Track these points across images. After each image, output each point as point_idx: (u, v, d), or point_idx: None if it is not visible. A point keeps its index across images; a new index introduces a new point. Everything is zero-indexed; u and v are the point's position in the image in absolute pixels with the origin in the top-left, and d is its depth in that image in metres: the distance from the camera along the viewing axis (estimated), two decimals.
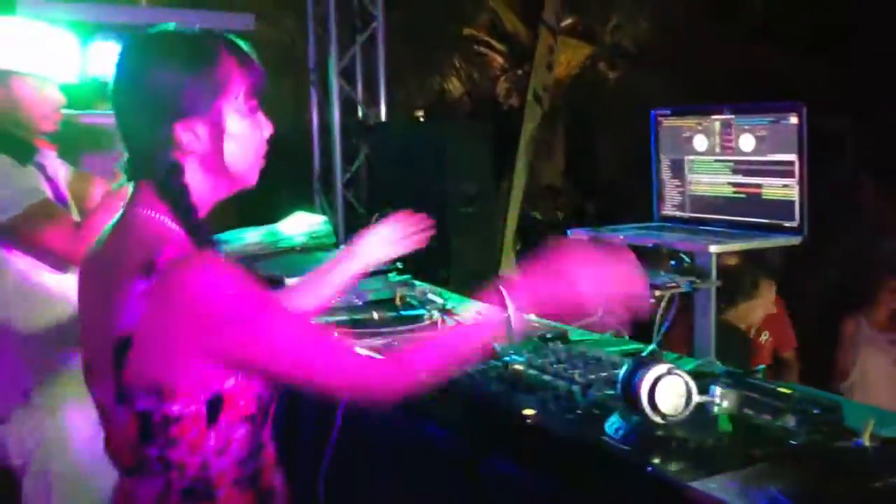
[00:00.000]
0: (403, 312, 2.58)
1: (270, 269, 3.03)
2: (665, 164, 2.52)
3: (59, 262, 2.33)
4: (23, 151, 2.29)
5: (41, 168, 2.35)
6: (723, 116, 2.34)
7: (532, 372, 2.12)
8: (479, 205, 4.32)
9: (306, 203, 5.02)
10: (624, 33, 9.71)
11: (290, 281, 2.95)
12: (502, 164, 6.54)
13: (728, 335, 3.19)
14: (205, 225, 1.37)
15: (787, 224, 2.23)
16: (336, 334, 1.49)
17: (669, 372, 1.74)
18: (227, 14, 4.67)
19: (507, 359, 2.24)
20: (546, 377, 2.07)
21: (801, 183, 2.19)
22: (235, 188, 1.42)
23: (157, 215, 1.34)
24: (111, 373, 1.29)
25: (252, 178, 1.42)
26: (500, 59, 10.34)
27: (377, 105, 5.31)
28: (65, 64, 2.40)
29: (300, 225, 3.41)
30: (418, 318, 2.49)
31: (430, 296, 2.75)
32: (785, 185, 2.22)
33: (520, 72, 9.67)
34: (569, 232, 2.44)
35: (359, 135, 5.28)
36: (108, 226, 1.42)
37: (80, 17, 3.64)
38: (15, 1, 3.62)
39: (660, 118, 2.51)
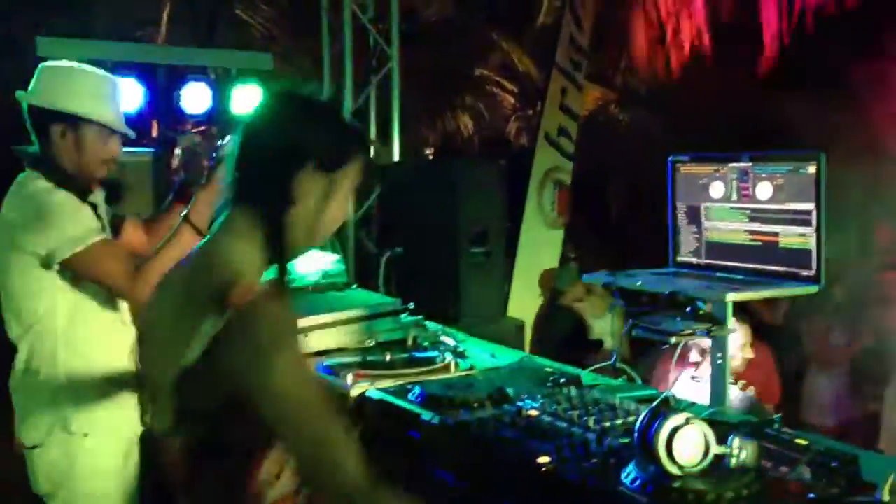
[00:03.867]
0: (416, 354, 2.56)
1: None
2: (681, 210, 2.52)
3: (112, 298, 2.42)
4: (83, 191, 2.39)
5: (93, 207, 2.44)
6: (740, 164, 2.35)
7: (546, 418, 2.10)
8: (490, 244, 4.31)
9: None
10: (635, 77, 9.79)
11: (300, 322, 2.96)
12: (514, 204, 6.55)
13: None
14: (288, 264, 1.46)
15: (803, 273, 2.22)
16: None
17: (687, 422, 1.73)
18: (246, 53, 4.73)
19: (520, 404, 2.22)
20: (560, 424, 2.05)
21: (818, 232, 2.18)
22: (303, 250, 1.52)
23: (245, 245, 1.43)
24: (171, 399, 1.37)
25: (318, 244, 1.54)
26: (511, 99, 10.42)
27: (390, 144, 5.34)
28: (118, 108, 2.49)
29: (313, 263, 3.41)
30: (430, 361, 2.48)
31: (443, 337, 2.74)
32: (802, 234, 2.21)
33: (531, 112, 9.74)
34: (584, 278, 2.43)
35: (371, 174, 5.31)
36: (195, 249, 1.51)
37: (100, 56, 3.68)
38: (37, 41, 3.67)
39: (677, 164, 2.51)
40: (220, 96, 4.43)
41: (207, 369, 1.33)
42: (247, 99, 4.43)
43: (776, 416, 2.27)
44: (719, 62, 8.45)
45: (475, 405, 2.15)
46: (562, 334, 5.74)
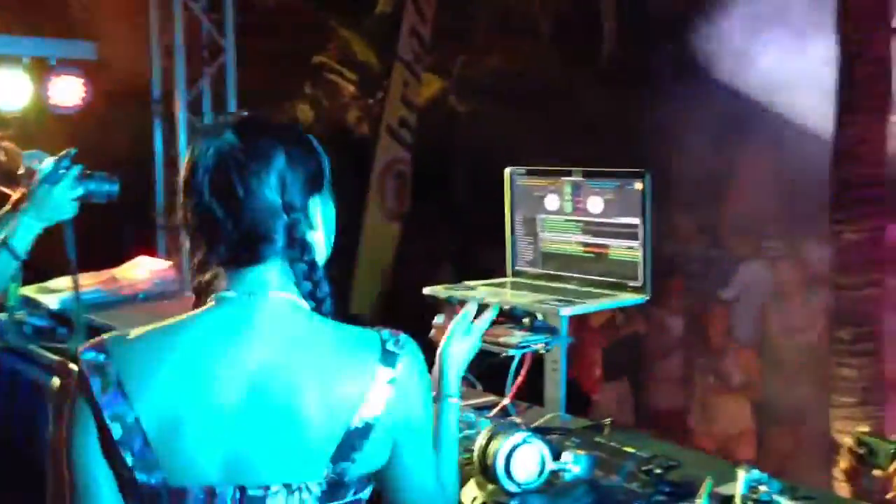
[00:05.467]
0: None
1: (107, 321, 2.86)
2: (519, 221, 2.58)
3: None
4: None
5: None
6: (573, 179, 2.43)
7: None
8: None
9: (149, 244, 4.81)
10: (475, 69, 9.93)
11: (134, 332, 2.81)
12: (355, 196, 6.52)
13: None
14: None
15: (632, 284, 2.33)
16: None
17: (525, 441, 1.78)
18: (68, 41, 4.42)
19: None
20: None
21: (644, 245, 2.29)
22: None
23: (299, 301, 1.31)
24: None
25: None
26: (351, 88, 10.32)
27: None
28: None
29: (141, 271, 3.25)
30: None
31: None
32: (630, 247, 2.32)
33: (371, 101, 9.70)
34: (425, 290, 2.45)
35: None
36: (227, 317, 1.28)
37: None
38: None
39: (514, 176, 2.57)
40: (38, 88, 4.12)
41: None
42: (68, 91, 4.15)
43: (608, 420, 2.38)
44: (558, 52, 8.71)
45: None
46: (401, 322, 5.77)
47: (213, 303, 1.29)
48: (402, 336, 1.31)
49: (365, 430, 1.24)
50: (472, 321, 1.69)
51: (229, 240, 1.28)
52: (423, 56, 6.92)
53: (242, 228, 1.27)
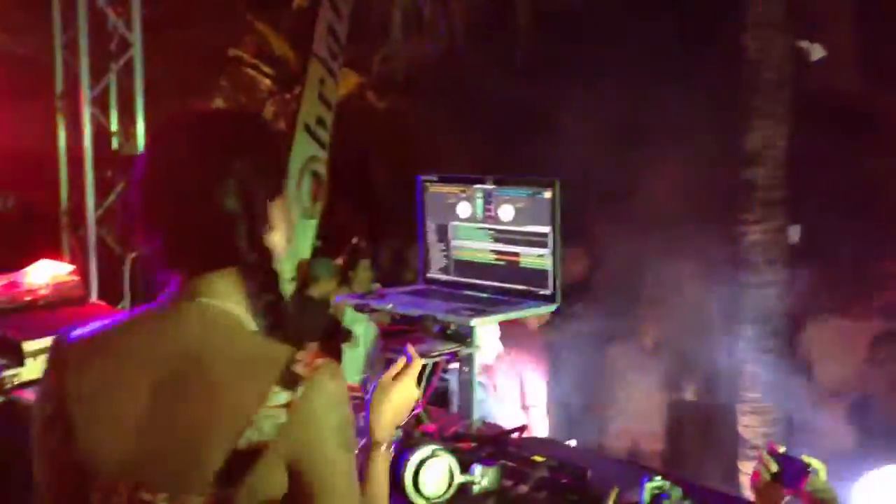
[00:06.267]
0: None
1: (7, 327, 2.75)
2: (431, 228, 2.57)
3: None
4: None
5: None
6: (485, 186, 2.43)
7: None
8: None
9: (52, 244, 4.63)
10: (393, 64, 9.89)
11: (28, 345, 2.70)
12: None
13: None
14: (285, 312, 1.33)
15: (542, 292, 2.35)
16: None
17: (433, 454, 1.78)
18: None
19: None
20: None
21: (554, 254, 2.31)
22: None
23: (237, 310, 1.29)
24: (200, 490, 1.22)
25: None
26: (267, 83, 10.15)
27: (133, 134, 5.01)
28: None
29: (42, 276, 3.12)
30: None
31: None
32: (540, 255, 2.33)
33: (288, 96, 9.55)
34: (337, 299, 2.42)
35: (113, 167, 4.95)
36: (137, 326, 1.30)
37: None
38: None
39: (426, 183, 2.55)
40: None
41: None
42: None
43: (520, 427, 2.40)
44: (476, 51, 8.75)
45: None
46: (315, 325, 5.69)
47: (155, 305, 1.31)
48: (318, 361, 1.24)
49: (252, 453, 1.19)
50: (402, 371, 1.61)
51: (181, 245, 1.28)
52: (340, 54, 6.84)
53: (194, 235, 1.28)
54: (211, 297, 1.28)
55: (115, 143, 5.03)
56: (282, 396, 1.20)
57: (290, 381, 1.21)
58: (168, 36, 6.89)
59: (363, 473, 1.48)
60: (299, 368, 1.22)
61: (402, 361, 1.63)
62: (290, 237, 1.37)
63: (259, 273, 1.30)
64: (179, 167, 1.28)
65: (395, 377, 1.60)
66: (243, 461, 1.19)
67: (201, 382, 1.23)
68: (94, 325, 1.32)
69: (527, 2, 7.97)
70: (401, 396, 1.59)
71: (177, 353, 1.25)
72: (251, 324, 1.30)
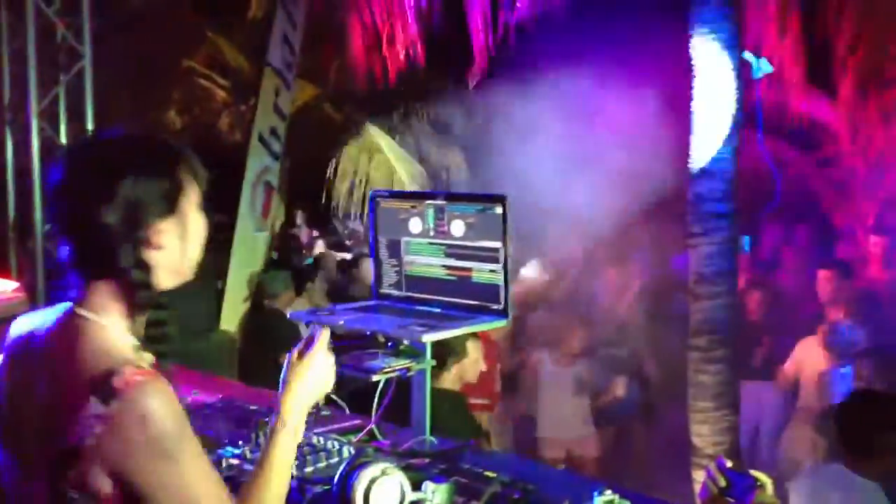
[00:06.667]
0: None
1: None
2: (383, 243, 2.57)
3: None
4: None
5: None
6: (436, 202, 2.44)
7: (249, 467, 2.06)
8: None
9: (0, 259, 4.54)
10: (349, 77, 9.88)
11: None
12: (226, 205, 6.35)
13: (444, 401, 3.33)
14: (164, 325, 1.46)
15: (493, 307, 2.36)
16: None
17: (384, 473, 1.78)
18: None
19: (221, 452, 2.16)
20: None
21: (505, 269, 2.33)
22: (177, 284, 1.50)
23: (105, 320, 1.40)
24: (46, 476, 1.35)
25: (191, 274, 1.51)
26: (222, 94, 10.08)
27: None
28: None
29: None
30: None
31: None
32: (492, 270, 2.35)
33: (243, 107, 9.49)
34: (290, 315, 2.41)
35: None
36: (42, 321, 1.46)
37: None
38: None
39: (378, 199, 2.56)
40: None
41: (98, 455, 1.31)
42: None
43: (471, 442, 2.41)
44: (433, 71, 8.83)
45: None
46: (273, 341, 5.65)
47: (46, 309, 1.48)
48: (139, 378, 1.32)
49: (73, 453, 1.30)
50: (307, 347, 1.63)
51: (71, 258, 1.43)
52: (294, 65, 6.82)
53: (79, 249, 1.42)
54: (87, 307, 1.42)
55: None
56: (98, 408, 1.30)
57: (106, 394, 1.30)
58: (119, 46, 6.82)
59: (263, 453, 1.53)
60: (117, 382, 1.31)
61: (308, 337, 1.65)
62: (189, 255, 1.48)
63: (140, 289, 1.42)
64: (65, 188, 1.42)
65: (302, 354, 1.62)
66: (69, 461, 1.31)
67: (45, 383, 1.39)
68: (33, 326, 1.49)
69: (478, 25, 8.03)
70: (312, 373, 1.60)
71: (40, 353, 1.43)
72: (121, 336, 1.42)
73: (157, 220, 1.42)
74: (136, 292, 1.41)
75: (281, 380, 1.61)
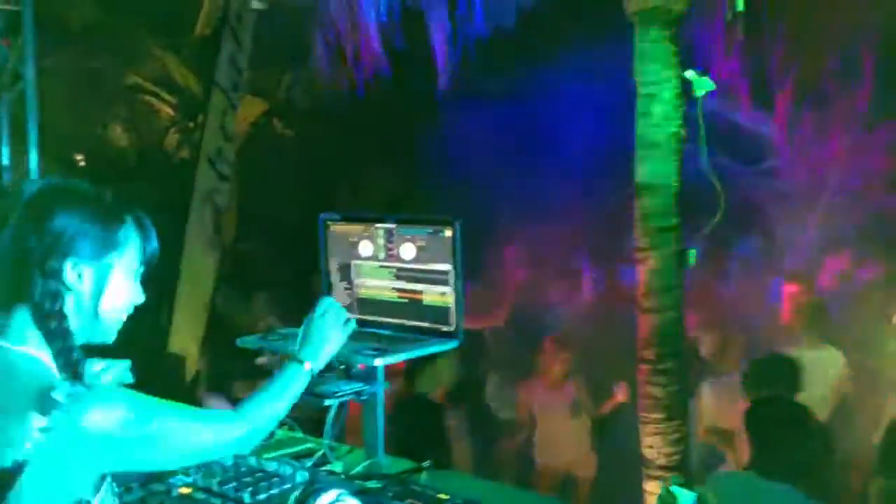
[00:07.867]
0: None
1: None
2: (333, 266, 2.58)
3: None
4: None
5: None
6: (386, 225, 2.46)
7: (200, 496, 2.05)
8: None
9: None
10: (298, 91, 9.84)
11: None
12: (172, 226, 6.28)
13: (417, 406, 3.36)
14: (76, 352, 1.49)
15: (444, 328, 2.39)
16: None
17: (338, 499, 1.79)
18: None
19: (172, 481, 2.14)
20: (215, 501, 2.01)
21: (456, 291, 2.35)
22: (93, 339, 1.57)
23: (25, 350, 1.47)
24: None
25: (111, 337, 1.60)
26: (169, 111, 9.96)
27: (24, 169, 4.84)
28: None
29: None
30: None
31: None
32: (442, 293, 2.37)
33: (191, 124, 9.38)
34: (238, 342, 2.41)
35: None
36: None
37: None
38: None
39: (328, 223, 2.57)
40: None
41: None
42: None
43: (426, 463, 2.42)
44: (398, 84, 8.83)
45: (121, 487, 2.02)
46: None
47: None
48: (82, 390, 1.40)
49: (15, 470, 1.34)
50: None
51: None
52: (241, 85, 6.79)
53: (6, 279, 1.51)
54: (6, 334, 1.49)
55: (6, 178, 4.85)
56: (39, 421, 1.36)
57: (48, 406, 1.37)
58: (63, 63, 6.71)
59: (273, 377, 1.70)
60: (56, 396, 1.37)
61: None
62: (103, 312, 1.54)
63: (52, 321, 1.48)
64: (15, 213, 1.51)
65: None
66: (9, 479, 1.34)
67: None
68: None
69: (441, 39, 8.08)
70: (325, 322, 1.83)
71: None
72: (41, 360, 1.48)
73: (77, 260, 1.50)
74: (49, 317, 1.48)
75: (299, 338, 1.82)
